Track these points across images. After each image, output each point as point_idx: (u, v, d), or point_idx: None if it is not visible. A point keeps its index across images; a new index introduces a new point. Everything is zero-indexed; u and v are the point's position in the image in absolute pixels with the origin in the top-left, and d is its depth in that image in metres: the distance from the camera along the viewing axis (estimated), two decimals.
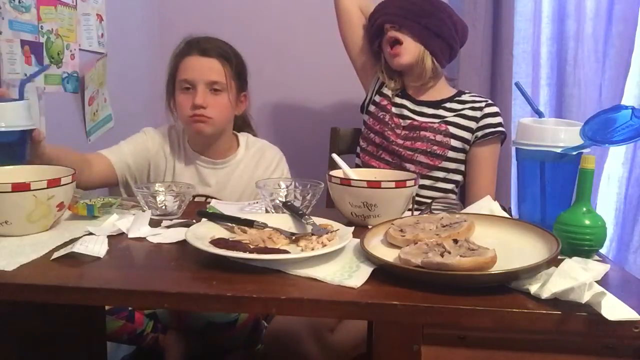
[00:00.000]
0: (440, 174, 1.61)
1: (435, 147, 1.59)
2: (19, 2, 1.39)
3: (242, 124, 1.67)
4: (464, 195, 1.66)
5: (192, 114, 1.45)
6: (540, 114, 1.12)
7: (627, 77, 2.00)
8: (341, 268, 0.83)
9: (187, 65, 1.48)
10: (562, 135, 1.00)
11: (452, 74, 1.83)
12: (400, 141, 1.62)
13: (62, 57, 1.59)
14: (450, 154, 1.60)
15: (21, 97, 1.20)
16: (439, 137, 1.59)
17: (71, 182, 1.01)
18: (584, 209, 0.91)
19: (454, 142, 1.60)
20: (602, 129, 0.92)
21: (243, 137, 1.63)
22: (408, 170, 1.54)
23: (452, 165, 1.61)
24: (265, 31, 2.22)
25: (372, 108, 1.72)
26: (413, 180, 1.11)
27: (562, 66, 2.02)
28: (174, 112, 1.55)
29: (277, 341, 1.44)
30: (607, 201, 2.10)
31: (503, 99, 1.98)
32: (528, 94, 1.16)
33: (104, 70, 1.82)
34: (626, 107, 0.89)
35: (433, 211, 1.14)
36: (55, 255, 0.86)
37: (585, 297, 0.70)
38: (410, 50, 1.58)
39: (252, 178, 1.54)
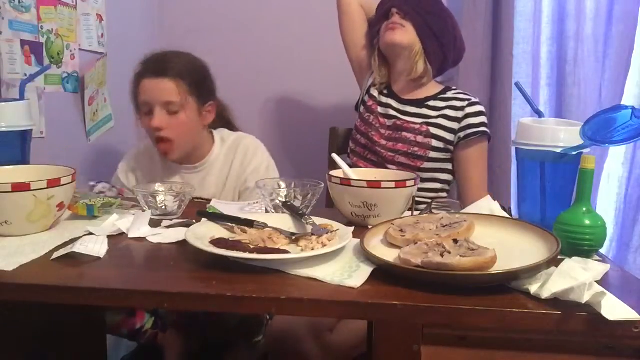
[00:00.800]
0: (424, 175, 1.59)
1: (415, 149, 1.59)
2: (19, 2, 1.39)
3: (223, 124, 1.66)
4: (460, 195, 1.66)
5: (154, 136, 1.47)
6: (540, 114, 1.12)
7: (627, 77, 2.00)
8: (341, 268, 0.83)
9: (143, 87, 1.47)
10: (562, 135, 1.00)
11: (452, 74, 1.83)
12: (383, 142, 1.63)
13: (62, 57, 1.59)
14: (432, 154, 1.59)
15: (21, 97, 1.20)
16: (419, 139, 1.59)
17: (71, 182, 1.01)
18: (584, 209, 0.91)
19: (435, 143, 1.59)
20: (602, 129, 0.92)
21: (218, 133, 1.62)
22: None
23: (435, 165, 1.60)
24: (265, 31, 2.22)
25: (362, 109, 1.73)
26: (413, 180, 1.11)
27: (562, 66, 2.01)
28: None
29: (277, 341, 1.45)
30: (607, 201, 2.10)
31: (503, 99, 1.98)
32: (528, 94, 1.15)
33: (104, 70, 1.82)
34: (626, 107, 0.89)
35: (433, 211, 1.14)
36: (55, 255, 0.86)
37: (585, 297, 0.70)
38: (407, 34, 1.58)
39: (232, 169, 1.57)
